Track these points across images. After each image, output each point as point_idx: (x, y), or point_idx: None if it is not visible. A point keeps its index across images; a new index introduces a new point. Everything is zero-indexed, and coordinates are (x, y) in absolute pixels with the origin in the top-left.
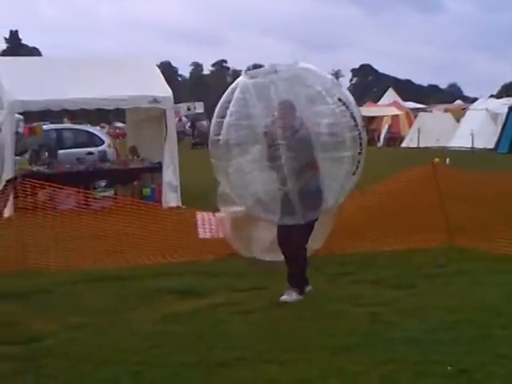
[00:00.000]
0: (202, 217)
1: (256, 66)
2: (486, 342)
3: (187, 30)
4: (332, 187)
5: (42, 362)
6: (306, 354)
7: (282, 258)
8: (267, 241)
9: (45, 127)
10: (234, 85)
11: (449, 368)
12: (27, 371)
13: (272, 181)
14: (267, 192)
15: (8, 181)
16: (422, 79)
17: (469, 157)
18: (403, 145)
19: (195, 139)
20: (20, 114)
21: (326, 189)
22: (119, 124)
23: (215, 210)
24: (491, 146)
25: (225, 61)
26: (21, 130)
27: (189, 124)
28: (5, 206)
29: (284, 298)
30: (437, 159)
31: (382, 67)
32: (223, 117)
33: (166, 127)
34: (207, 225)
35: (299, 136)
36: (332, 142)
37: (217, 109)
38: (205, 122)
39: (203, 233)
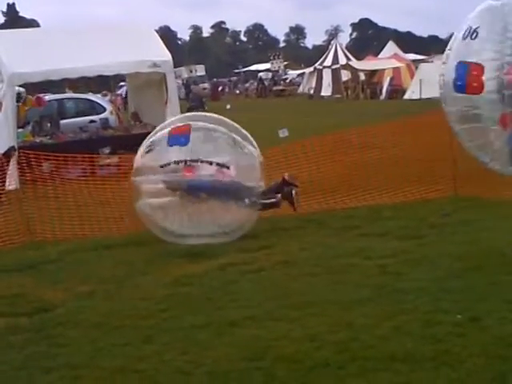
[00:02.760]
0: None
1: (256, 26)
2: (495, 289)
3: None
4: None
5: (54, 331)
6: (314, 309)
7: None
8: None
9: (46, 97)
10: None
11: (459, 316)
12: (39, 341)
13: None
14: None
15: (3, 153)
16: (422, 30)
17: None
18: (405, 97)
19: (191, 103)
20: (21, 86)
21: None
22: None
23: None
24: None
25: (223, 22)
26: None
27: (183, 89)
28: (3, 180)
29: None
30: None
31: (381, 20)
32: None
33: (167, 91)
34: None
35: None
36: None
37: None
38: (206, 85)
39: None
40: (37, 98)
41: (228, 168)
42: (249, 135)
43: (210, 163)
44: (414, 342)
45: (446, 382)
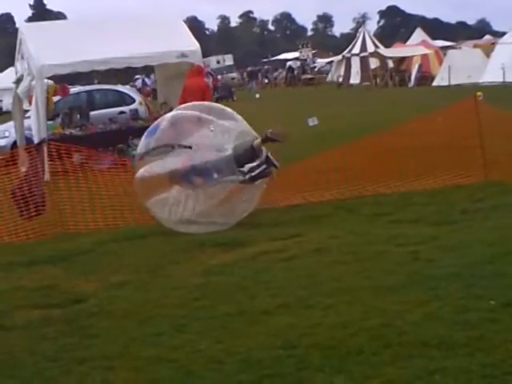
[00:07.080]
0: None
1: (284, 15)
2: None
3: None
4: None
5: (86, 322)
6: (347, 297)
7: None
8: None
9: (75, 89)
10: None
11: (492, 302)
12: (72, 332)
13: None
14: None
15: (36, 145)
16: (449, 17)
17: (501, 91)
18: (434, 83)
19: (220, 93)
20: (50, 78)
21: None
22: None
23: None
24: None
25: (251, 12)
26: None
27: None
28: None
29: None
30: (479, 93)
31: (408, 7)
32: None
33: None
34: None
35: None
36: None
37: None
38: (234, 74)
39: None
40: (62, 87)
41: (190, 148)
42: (227, 110)
43: (172, 146)
44: (447, 328)
45: (480, 367)
